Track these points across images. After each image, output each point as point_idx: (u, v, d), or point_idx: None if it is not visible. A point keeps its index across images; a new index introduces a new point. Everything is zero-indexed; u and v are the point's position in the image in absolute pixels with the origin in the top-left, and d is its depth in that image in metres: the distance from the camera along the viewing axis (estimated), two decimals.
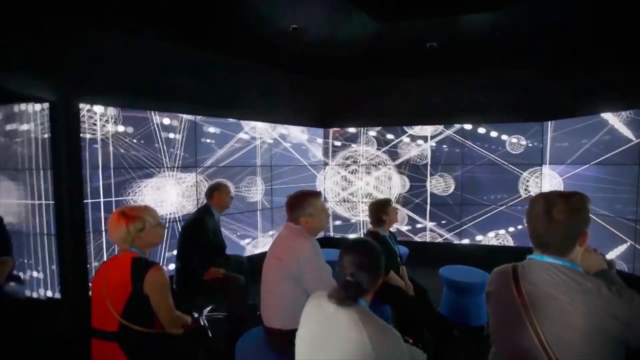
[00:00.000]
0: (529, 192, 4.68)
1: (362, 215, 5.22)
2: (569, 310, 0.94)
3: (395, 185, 5.11)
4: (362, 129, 5.13)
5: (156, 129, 3.46)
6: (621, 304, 0.91)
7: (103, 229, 3.07)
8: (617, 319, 0.89)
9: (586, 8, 2.80)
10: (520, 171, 4.73)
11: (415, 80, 4.81)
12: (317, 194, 1.92)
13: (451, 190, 4.93)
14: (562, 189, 4.33)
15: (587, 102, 3.94)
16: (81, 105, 2.91)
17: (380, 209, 2.55)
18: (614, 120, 3.71)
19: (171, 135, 3.59)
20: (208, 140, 3.94)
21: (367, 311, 1.11)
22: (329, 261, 1.75)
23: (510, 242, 4.76)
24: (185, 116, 3.69)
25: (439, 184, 4.96)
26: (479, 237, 4.84)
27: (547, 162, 4.50)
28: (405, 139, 5.01)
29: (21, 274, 2.79)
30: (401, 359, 1.06)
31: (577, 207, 1.01)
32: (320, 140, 5.26)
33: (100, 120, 3.03)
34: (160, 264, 3.44)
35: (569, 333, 0.93)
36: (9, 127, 2.94)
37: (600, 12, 2.88)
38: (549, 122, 4.45)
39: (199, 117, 3.80)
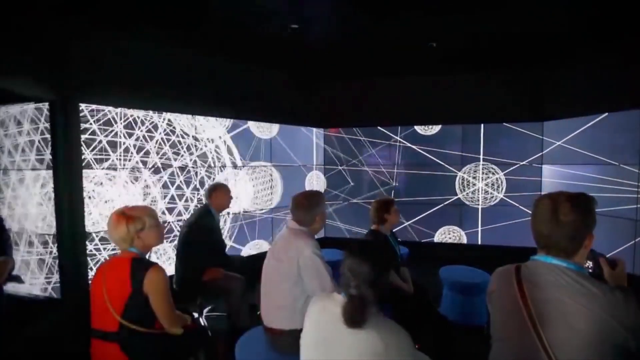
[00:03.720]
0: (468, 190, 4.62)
1: None
2: (572, 313, 0.93)
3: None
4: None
5: None
6: (626, 309, 0.90)
7: None
8: (621, 324, 0.88)
9: (586, 7, 2.80)
10: (455, 170, 4.69)
11: (415, 80, 4.80)
12: (319, 193, 1.97)
13: None
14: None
15: (587, 101, 3.94)
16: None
17: (382, 208, 2.55)
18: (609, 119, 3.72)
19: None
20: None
21: (374, 311, 1.10)
22: (329, 261, 1.76)
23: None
24: None
25: None
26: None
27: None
28: None
29: (21, 274, 2.78)
30: (409, 357, 1.06)
31: (583, 209, 1.00)
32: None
33: None
34: None
35: (571, 336, 0.92)
36: (8, 126, 2.94)
37: (600, 11, 2.88)
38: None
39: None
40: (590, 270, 1.10)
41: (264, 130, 4.50)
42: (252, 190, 4.38)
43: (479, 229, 4.75)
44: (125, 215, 1.52)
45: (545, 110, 4.44)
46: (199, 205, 3.62)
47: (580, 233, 1.00)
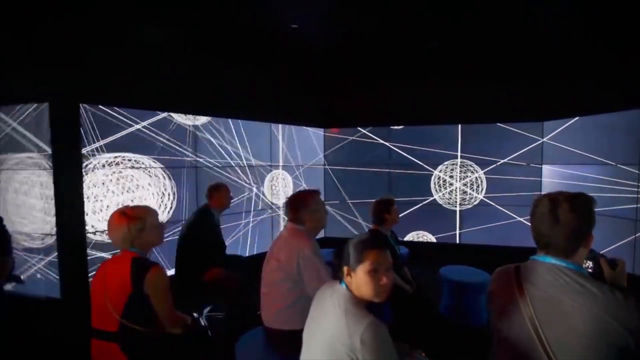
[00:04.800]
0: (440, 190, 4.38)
1: None
2: (571, 313, 0.93)
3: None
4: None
5: None
6: (626, 309, 0.90)
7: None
8: (620, 324, 0.88)
9: (586, 7, 2.80)
10: (431, 169, 4.44)
11: (415, 80, 4.80)
12: (317, 192, 1.96)
13: None
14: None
15: (587, 101, 3.94)
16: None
17: (382, 208, 2.55)
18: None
19: None
20: None
21: (354, 301, 1.13)
22: (328, 262, 1.76)
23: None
24: None
25: None
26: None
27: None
28: None
29: (21, 274, 2.78)
30: (383, 354, 1.05)
31: (582, 209, 1.00)
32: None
33: None
34: None
35: (571, 336, 0.92)
36: (8, 126, 2.94)
37: (600, 11, 2.88)
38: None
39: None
40: (590, 270, 1.10)
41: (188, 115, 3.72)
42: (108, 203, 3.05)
43: (457, 232, 4.65)
44: (126, 215, 1.52)
45: (545, 111, 4.44)
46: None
47: (580, 233, 1.00)
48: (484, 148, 4.65)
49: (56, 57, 2.71)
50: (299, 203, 1.87)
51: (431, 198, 4.63)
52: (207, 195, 2.87)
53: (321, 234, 4.67)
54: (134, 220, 1.52)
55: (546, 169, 4.47)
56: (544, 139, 4.20)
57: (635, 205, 3.47)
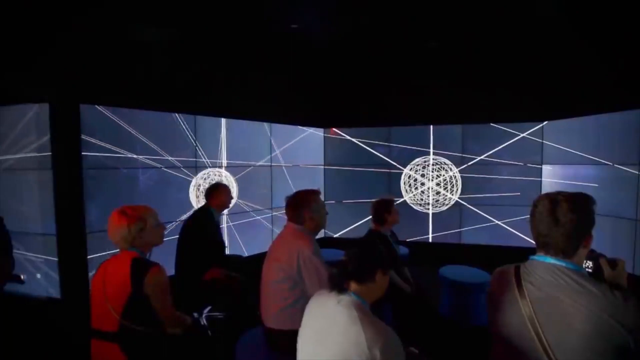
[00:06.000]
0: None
1: None
2: (571, 313, 0.93)
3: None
4: None
5: None
6: (625, 309, 0.90)
7: None
8: (620, 324, 0.89)
9: (586, 7, 2.80)
10: (402, 167, 4.21)
11: (415, 80, 4.80)
12: (318, 192, 1.95)
13: None
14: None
15: (586, 101, 3.94)
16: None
17: (383, 208, 2.55)
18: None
19: None
20: None
21: (366, 310, 1.12)
22: (328, 261, 1.76)
23: None
24: None
25: None
26: None
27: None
28: None
29: (21, 274, 2.78)
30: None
31: (582, 208, 1.00)
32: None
33: None
34: None
35: (570, 336, 0.92)
36: (8, 127, 2.94)
37: (600, 11, 2.88)
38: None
39: None
40: (590, 270, 1.10)
41: None
42: None
43: (429, 235, 4.57)
44: (127, 215, 1.52)
45: (545, 111, 4.44)
46: None
47: (579, 233, 1.00)
48: (475, 147, 4.66)
49: (56, 57, 2.71)
50: (299, 202, 1.86)
51: (401, 199, 4.58)
52: (206, 195, 2.87)
53: (321, 234, 4.69)
54: (134, 220, 1.51)
55: (546, 169, 4.47)
56: (523, 135, 4.23)
57: (635, 205, 3.47)
